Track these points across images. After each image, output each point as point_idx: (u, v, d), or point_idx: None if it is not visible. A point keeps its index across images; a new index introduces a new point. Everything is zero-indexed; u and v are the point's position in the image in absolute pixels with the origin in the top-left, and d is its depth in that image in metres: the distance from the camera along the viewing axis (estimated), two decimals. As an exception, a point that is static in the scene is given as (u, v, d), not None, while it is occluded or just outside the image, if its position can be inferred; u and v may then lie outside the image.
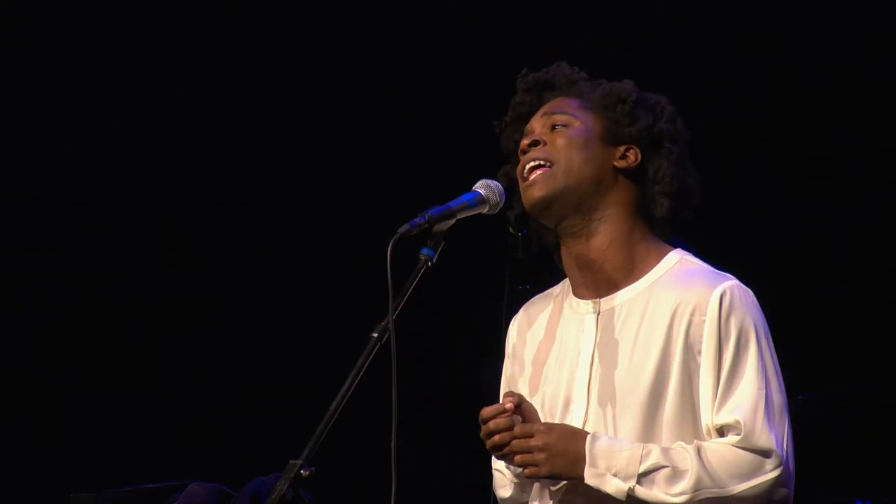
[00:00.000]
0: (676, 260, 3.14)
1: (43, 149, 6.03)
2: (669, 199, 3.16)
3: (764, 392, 2.99)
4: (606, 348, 3.09)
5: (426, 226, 2.96)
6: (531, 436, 2.98)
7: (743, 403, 2.98)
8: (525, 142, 3.19)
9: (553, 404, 3.13)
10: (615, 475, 2.96)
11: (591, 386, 3.09)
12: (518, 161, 3.19)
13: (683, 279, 3.08)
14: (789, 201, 5.51)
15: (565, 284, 3.24)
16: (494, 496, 3.26)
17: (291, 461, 2.76)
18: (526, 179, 3.15)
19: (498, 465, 3.23)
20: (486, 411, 3.01)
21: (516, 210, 3.23)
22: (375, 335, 2.87)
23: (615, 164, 3.17)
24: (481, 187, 3.10)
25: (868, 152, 5.44)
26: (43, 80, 5.98)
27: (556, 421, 3.10)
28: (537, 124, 3.21)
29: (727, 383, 3.00)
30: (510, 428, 2.99)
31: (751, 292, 3.08)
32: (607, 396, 3.06)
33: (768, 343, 3.05)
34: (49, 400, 6.01)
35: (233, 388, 6.08)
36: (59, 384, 6.03)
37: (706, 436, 3.01)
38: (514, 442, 2.98)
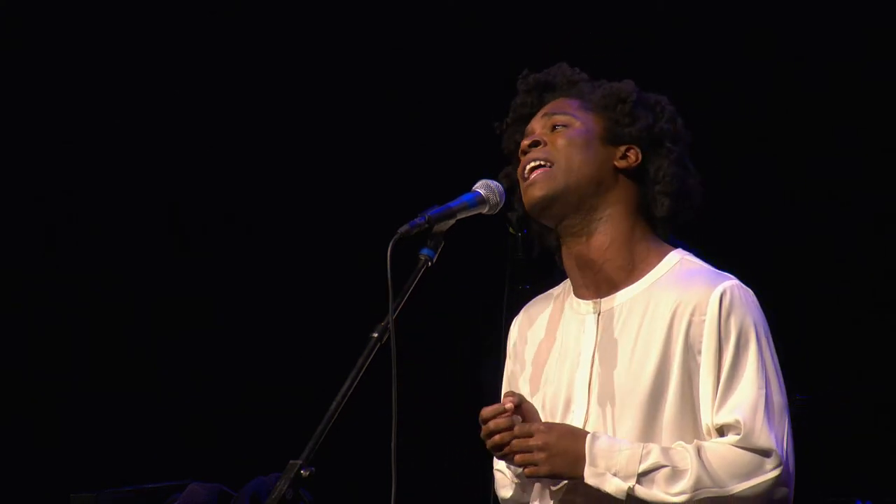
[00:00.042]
0: (677, 260, 3.14)
1: (43, 149, 6.03)
2: (670, 199, 3.16)
3: (764, 392, 2.99)
4: (607, 348, 3.10)
5: (426, 226, 2.96)
6: (531, 435, 2.98)
7: (743, 403, 2.98)
8: (525, 142, 3.19)
9: (554, 404, 3.13)
10: (615, 474, 2.96)
11: (591, 386, 3.09)
12: (519, 162, 3.20)
13: (684, 279, 3.09)
14: (789, 201, 5.51)
15: (566, 285, 3.24)
16: (495, 496, 3.26)
17: (291, 461, 2.76)
18: (526, 179, 3.15)
19: (499, 465, 3.23)
20: (486, 411, 3.01)
21: (518, 211, 3.23)
22: (375, 335, 2.87)
23: (615, 163, 3.17)
24: (481, 187, 3.10)
25: (868, 152, 5.44)
26: (43, 80, 5.98)
27: (557, 421, 3.10)
28: (538, 125, 3.21)
29: (727, 383, 3.00)
30: (510, 428, 2.99)
31: (751, 292, 3.08)
32: (608, 396, 3.06)
33: (768, 343, 3.05)
34: (49, 400, 6.01)
35: (233, 388, 6.08)
36: (59, 384, 6.03)
37: (706, 435, 3.01)
38: (514, 442, 2.98)
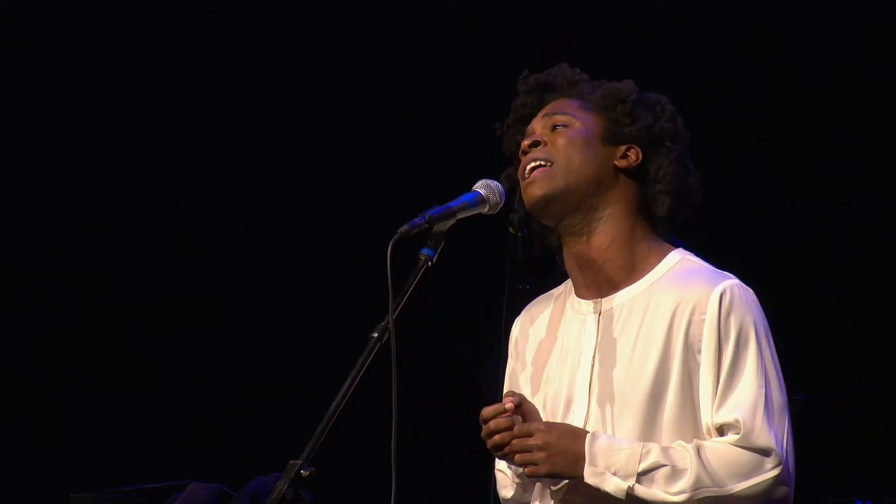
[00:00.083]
0: (677, 259, 3.14)
1: (43, 149, 6.03)
2: (670, 198, 3.16)
3: (763, 391, 2.99)
4: (607, 348, 3.10)
5: (426, 226, 2.96)
6: (530, 435, 2.98)
7: (742, 402, 2.98)
8: (526, 142, 3.19)
9: (555, 404, 3.13)
10: (615, 474, 2.96)
11: (592, 386, 3.10)
12: (520, 163, 3.20)
13: (684, 278, 3.09)
14: (789, 201, 5.51)
15: (567, 285, 3.25)
16: (495, 496, 3.26)
17: (291, 461, 2.76)
18: (526, 178, 3.15)
19: (500, 465, 3.23)
20: (487, 411, 3.02)
21: (519, 212, 3.23)
22: (375, 335, 2.87)
23: (616, 163, 3.17)
24: (481, 187, 3.10)
25: (868, 152, 5.44)
26: (42, 80, 5.98)
27: (558, 421, 3.10)
28: (538, 125, 3.21)
29: (727, 382, 3.00)
30: (510, 428, 2.99)
31: (751, 291, 3.08)
32: (608, 396, 3.06)
33: (768, 342, 3.05)
34: (49, 400, 6.01)
35: (233, 388, 6.08)
36: (59, 384, 6.03)
37: (706, 435, 3.01)
38: (514, 441, 2.99)
